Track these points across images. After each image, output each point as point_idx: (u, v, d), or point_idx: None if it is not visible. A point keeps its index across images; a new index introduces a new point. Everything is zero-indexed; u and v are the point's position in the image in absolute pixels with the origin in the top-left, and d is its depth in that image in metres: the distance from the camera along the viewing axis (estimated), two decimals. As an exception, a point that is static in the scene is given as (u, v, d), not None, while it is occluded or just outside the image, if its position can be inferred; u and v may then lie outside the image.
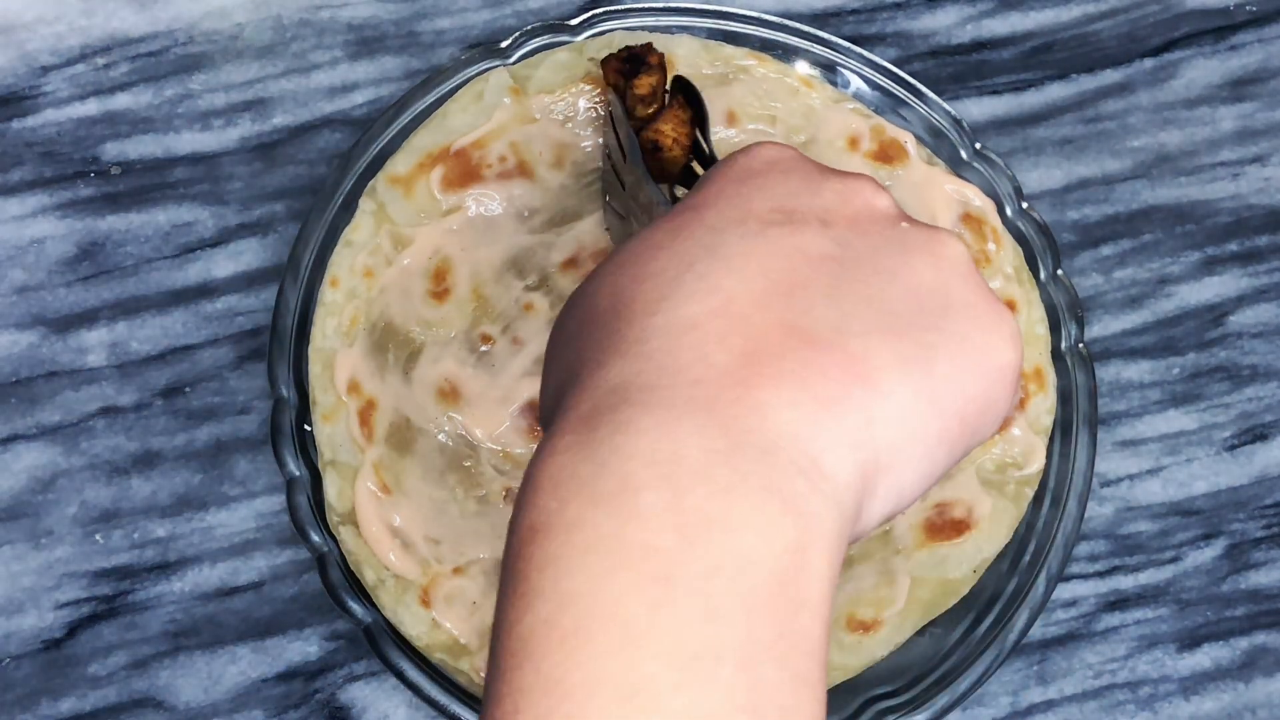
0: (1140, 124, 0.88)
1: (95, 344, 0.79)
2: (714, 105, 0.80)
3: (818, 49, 0.82)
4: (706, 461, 0.39)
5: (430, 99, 0.79)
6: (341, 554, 0.71)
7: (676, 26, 0.82)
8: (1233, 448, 0.81)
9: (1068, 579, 0.77)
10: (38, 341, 0.79)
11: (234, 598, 0.75)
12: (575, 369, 0.45)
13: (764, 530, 0.39)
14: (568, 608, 0.38)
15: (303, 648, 0.74)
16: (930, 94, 0.82)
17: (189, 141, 0.83)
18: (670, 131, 0.72)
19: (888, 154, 0.80)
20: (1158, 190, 0.86)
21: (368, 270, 0.75)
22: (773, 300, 0.43)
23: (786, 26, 0.82)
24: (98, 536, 0.75)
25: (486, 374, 0.74)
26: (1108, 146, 0.87)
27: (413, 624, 0.70)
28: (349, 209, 0.77)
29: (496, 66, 0.80)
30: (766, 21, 0.82)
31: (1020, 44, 0.89)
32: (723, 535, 0.38)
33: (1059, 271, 0.79)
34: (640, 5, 0.82)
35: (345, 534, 0.71)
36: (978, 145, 0.81)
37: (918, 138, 0.81)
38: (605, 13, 0.81)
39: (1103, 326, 0.83)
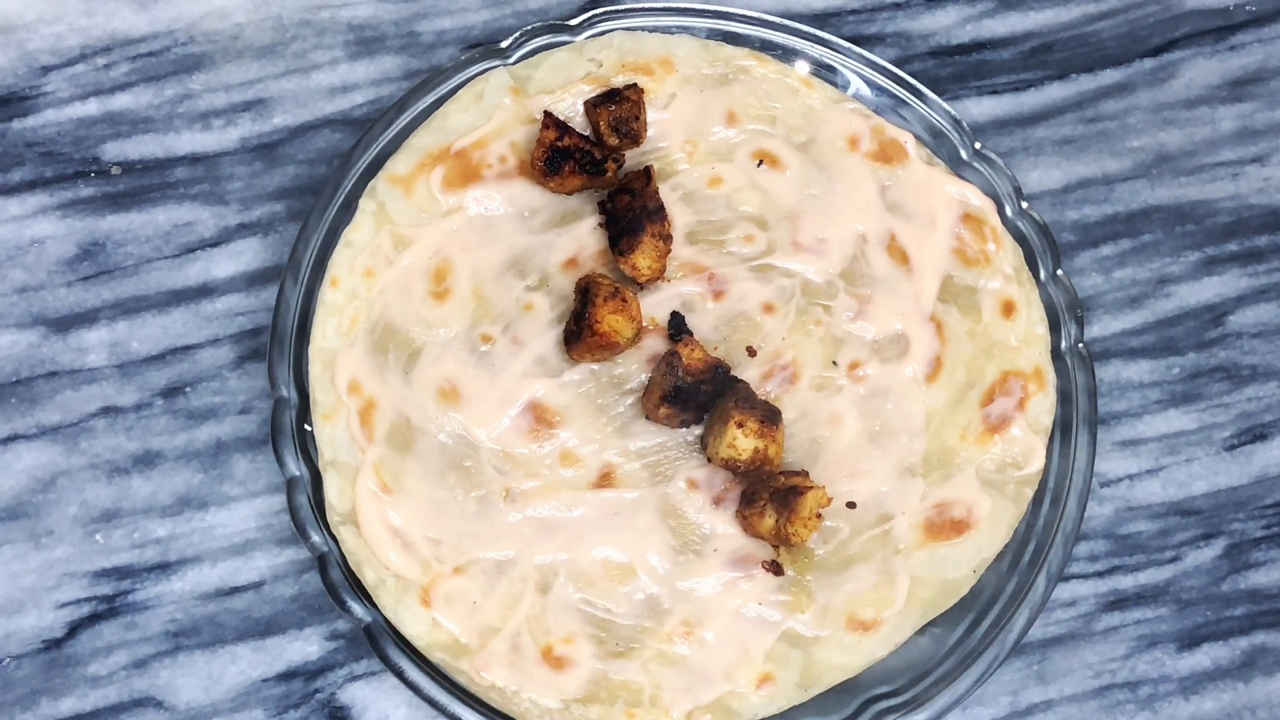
0: (1140, 124, 0.88)
1: (95, 344, 0.79)
2: (714, 105, 0.80)
3: (818, 49, 0.82)
4: None
5: (430, 99, 0.79)
6: (342, 554, 0.71)
7: (676, 26, 0.82)
8: (1232, 447, 0.81)
9: (1067, 579, 0.77)
10: (38, 341, 0.79)
11: (234, 597, 0.75)
12: None
13: None
14: None
15: (303, 647, 0.74)
16: (930, 94, 0.82)
17: (189, 141, 0.83)
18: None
19: (888, 154, 0.80)
20: (1158, 190, 0.86)
21: (368, 270, 0.75)
22: None
23: (786, 26, 0.82)
24: (98, 536, 0.75)
25: (487, 374, 0.74)
26: (1108, 146, 0.87)
27: (413, 623, 0.70)
28: (349, 209, 0.77)
29: (496, 66, 0.80)
30: (766, 21, 0.82)
31: (1020, 44, 0.89)
32: None
33: (1059, 271, 0.79)
34: (640, 5, 0.82)
35: (345, 534, 0.71)
36: (977, 145, 0.81)
37: (918, 138, 0.81)
38: (605, 13, 0.81)
39: (1102, 326, 0.83)
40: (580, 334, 0.72)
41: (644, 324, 0.75)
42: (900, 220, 0.79)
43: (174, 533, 0.76)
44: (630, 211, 0.75)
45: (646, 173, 0.76)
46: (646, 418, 0.74)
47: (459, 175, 0.77)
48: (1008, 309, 0.78)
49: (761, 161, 0.79)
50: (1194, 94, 0.89)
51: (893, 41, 0.88)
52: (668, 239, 0.75)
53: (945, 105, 0.82)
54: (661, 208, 0.75)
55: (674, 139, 0.79)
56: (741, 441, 0.70)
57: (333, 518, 0.71)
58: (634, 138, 0.78)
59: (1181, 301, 0.84)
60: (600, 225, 0.77)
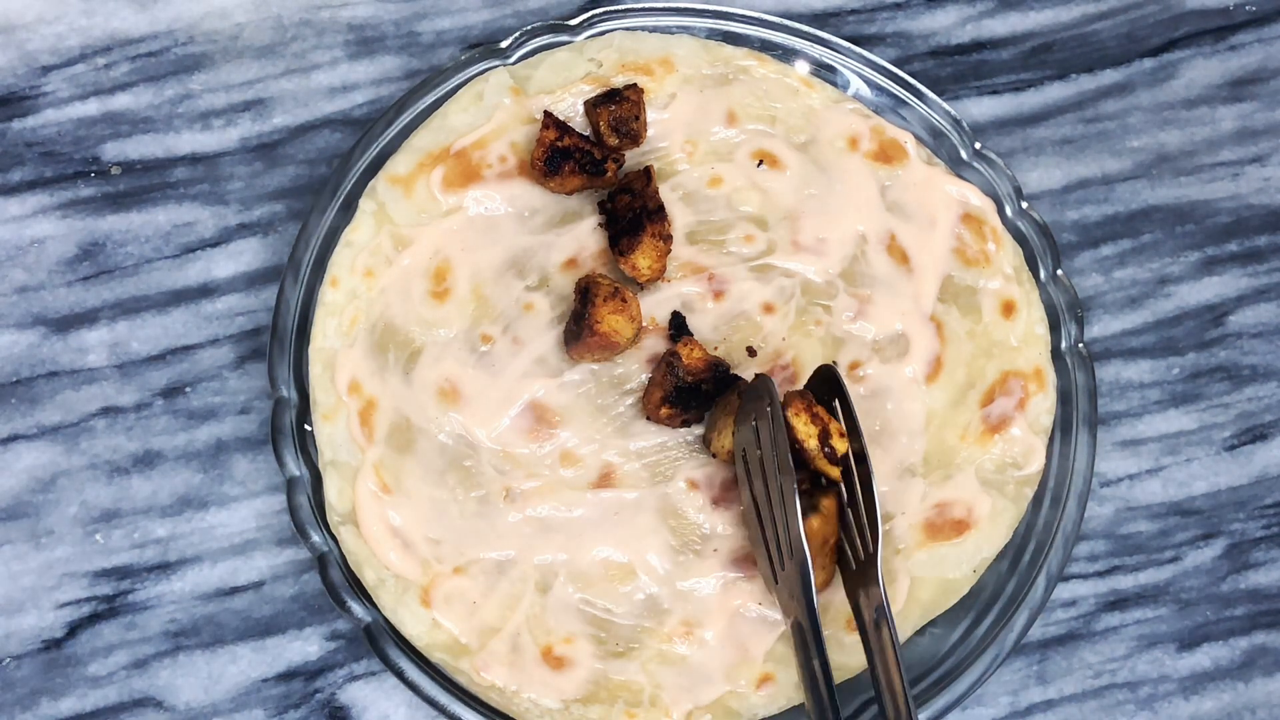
0: (1140, 124, 0.88)
1: (95, 344, 0.79)
2: (714, 105, 0.80)
3: (818, 49, 0.82)
4: None
5: (430, 99, 0.79)
6: (342, 554, 0.71)
7: (676, 26, 0.82)
8: (1232, 447, 0.81)
9: (1067, 579, 0.77)
10: (38, 341, 0.79)
11: (234, 597, 0.75)
12: None
13: None
14: None
15: (303, 647, 0.74)
16: (930, 94, 0.82)
17: (189, 141, 0.83)
18: (800, 428, 0.68)
19: (887, 154, 0.80)
20: (1157, 190, 0.86)
21: (368, 270, 0.75)
22: None
23: (786, 26, 0.82)
24: (98, 536, 0.75)
25: (486, 374, 0.74)
26: (1108, 146, 0.87)
27: (413, 624, 0.70)
28: (349, 209, 0.77)
29: (496, 66, 0.80)
30: (766, 21, 0.82)
31: (1020, 44, 0.89)
32: None
33: (1059, 271, 0.79)
34: (640, 5, 0.82)
35: (345, 534, 0.71)
36: (977, 145, 0.81)
37: (917, 138, 0.81)
38: (605, 12, 0.81)
39: (1102, 326, 0.83)
40: (580, 334, 0.72)
41: (644, 324, 0.75)
42: (900, 220, 0.79)
43: (174, 533, 0.76)
44: (630, 211, 0.75)
45: (646, 173, 0.76)
46: (647, 418, 0.74)
47: (459, 175, 0.77)
48: (1008, 309, 0.78)
49: (761, 161, 0.79)
50: (1194, 94, 0.89)
51: (893, 41, 0.88)
52: (668, 239, 0.75)
53: (945, 105, 0.82)
54: (661, 208, 0.75)
55: (674, 139, 0.79)
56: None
57: (333, 518, 0.72)
58: (634, 138, 0.78)
59: (1181, 301, 0.84)
60: (600, 225, 0.77)
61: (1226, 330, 0.83)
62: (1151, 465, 0.80)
